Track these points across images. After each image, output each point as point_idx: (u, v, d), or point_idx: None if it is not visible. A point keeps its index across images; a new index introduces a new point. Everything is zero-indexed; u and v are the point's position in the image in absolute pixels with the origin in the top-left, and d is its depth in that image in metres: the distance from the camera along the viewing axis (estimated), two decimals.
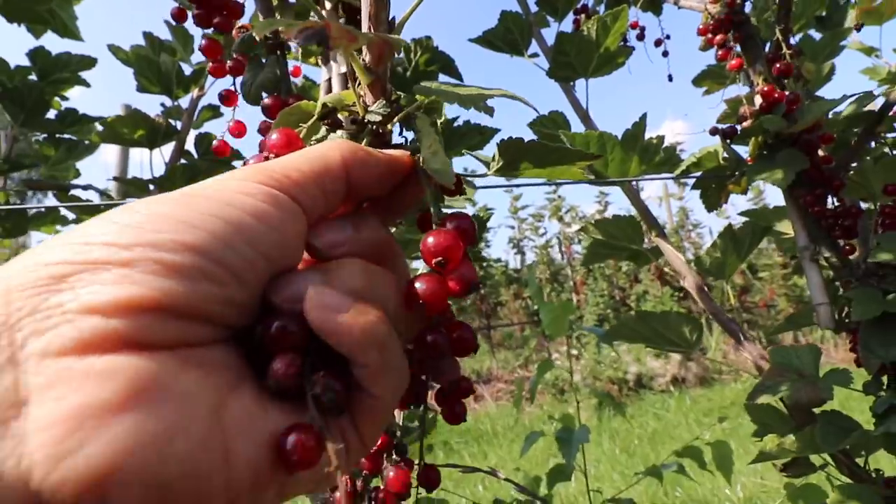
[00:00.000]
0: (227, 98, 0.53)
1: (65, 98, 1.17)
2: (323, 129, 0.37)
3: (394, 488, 0.39)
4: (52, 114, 1.08)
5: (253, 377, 0.20)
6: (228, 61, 0.53)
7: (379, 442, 0.40)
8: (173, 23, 0.92)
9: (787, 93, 0.70)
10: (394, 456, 0.41)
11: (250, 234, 0.19)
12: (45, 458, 0.14)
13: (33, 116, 1.01)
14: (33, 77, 1.07)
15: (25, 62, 1.10)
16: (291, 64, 0.74)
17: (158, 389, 0.16)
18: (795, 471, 0.79)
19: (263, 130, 0.56)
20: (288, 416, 0.19)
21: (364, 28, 0.33)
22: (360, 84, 0.35)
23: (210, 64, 0.54)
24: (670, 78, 1.13)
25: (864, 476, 0.71)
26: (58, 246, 0.17)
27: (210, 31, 0.55)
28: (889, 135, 0.77)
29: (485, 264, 6.96)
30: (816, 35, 1.14)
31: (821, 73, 1.15)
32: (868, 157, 0.79)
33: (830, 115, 0.81)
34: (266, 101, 0.51)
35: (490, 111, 0.29)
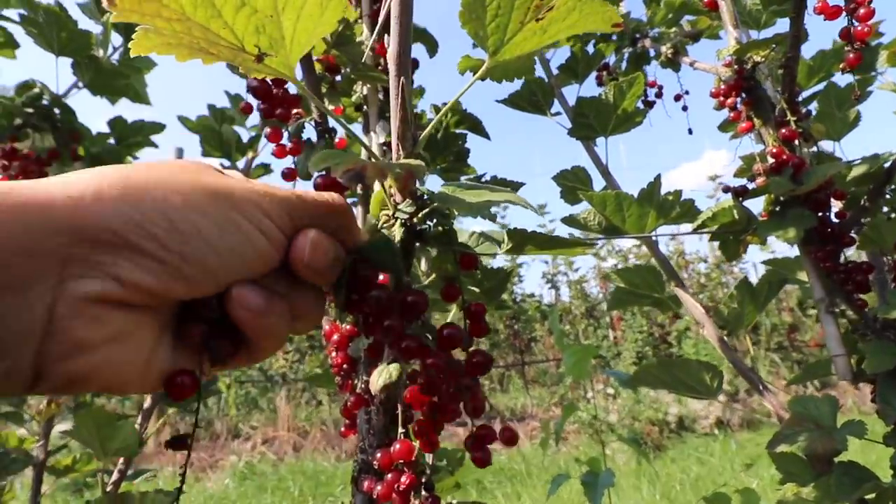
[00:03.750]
0: (289, 175, 0.62)
1: (135, 157, 1.32)
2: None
3: None
4: None
5: (175, 332, 0.30)
6: (288, 143, 0.63)
7: (407, 480, 0.46)
8: (232, 97, 1.05)
9: (795, 156, 0.75)
10: (422, 492, 0.47)
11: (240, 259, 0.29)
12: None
13: None
14: (111, 141, 1.22)
15: (104, 128, 1.26)
16: (339, 137, 0.84)
17: (127, 334, 0.27)
18: None
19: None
20: (186, 361, 0.30)
21: (394, 147, 0.41)
22: (391, 186, 0.43)
23: (274, 146, 0.64)
24: (690, 132, 1.18)
25: None
26: (134, 212, 0.26)
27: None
28: None
29: (518, 299, 6.95)
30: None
31: (846, 120, 1.18)
32: (882, 212, 0.82)
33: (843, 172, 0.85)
34: (317, 180, 0.60)
35: (493, 218, 0.36)
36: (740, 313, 0.83)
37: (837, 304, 0.77)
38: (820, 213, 0.77)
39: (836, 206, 0.83)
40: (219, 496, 3.71)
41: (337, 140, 0.82)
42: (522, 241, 0.42)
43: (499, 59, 0.42)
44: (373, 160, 0.37)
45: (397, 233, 0.42)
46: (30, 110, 1.05)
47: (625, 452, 4.57)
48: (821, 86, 1.15)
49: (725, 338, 0.88)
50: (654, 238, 0.94)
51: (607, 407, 5.30)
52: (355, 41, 0.65)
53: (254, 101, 0.63)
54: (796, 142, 0.77)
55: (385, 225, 0.41)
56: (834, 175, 0.82)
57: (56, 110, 1.10)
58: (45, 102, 1.09)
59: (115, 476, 0.77)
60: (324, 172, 0.62)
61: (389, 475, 0.49)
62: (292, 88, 0.62)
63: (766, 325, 7.24)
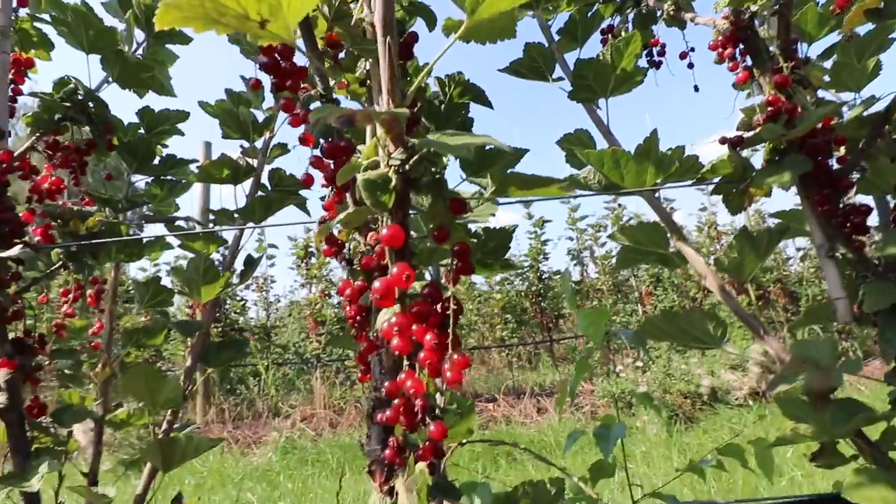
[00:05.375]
0: (305, 140, 0.68)
1: (165, 146, 1.41)
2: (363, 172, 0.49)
3: (434, 437, 0.50)
4: (156, 160, 1.31)
5: None
6: (300, 111, 0.68)
7: (419, 403, 0.51)
8: (248, 81, 1.11)
9: (788, 102, 0.76)
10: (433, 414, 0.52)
11: None
12: None
13: (143, 164, 1.24)
14: (141, 131, 1.31)
15: (134, 119, 1.34)
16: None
17: None
18: (824, 460, 0.81)
19: (324, 170, 0.70)
20: None
21: (384, 97, 0.46)
22: (384, 138, 0.48)
23: (289, 117, 0.69)
24: (696, 88, 1.19)
25: (889, 465, 0.73)
26: None
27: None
28: None
29: (544, 277, 6.94)
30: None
31: (865, 70, 1.16)
32: (884, 155, 0.82)
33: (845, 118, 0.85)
34: (323, 145, 0.66)
35: (469, 155, 0.40)
36: (740, 263, 0.85)
37: (837, 248, 0.78)
38: (819, 159, 0.78)
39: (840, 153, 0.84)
40: (264, 468, 3.91)
41: None
42: (504, 181, 0.46)
43: (477, 18, 0.46)
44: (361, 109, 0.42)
45: (392, 179, 0.47)
46: (67, 104, 1.13)
47: (655, 424, 4.57)
48: (834, 35, 1.13)
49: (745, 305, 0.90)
50: (656, 196, 0.96)
51: (636, 380, 5.29)
52: (353, 16, 0.69)
53: (265, 79, 0.68)
54: (792, 89, 0.78)
55: (377, 171, 0.46)
56: (836, 122, 0.83)
57: (90, 104, 1.19)
58: (79, 97, 1.17)
59: (164, 426, 0.87)
60: (329, 139, 0.67)
61: (397, 401, 0.54)
62: (298, 62, 0.67)
63: (807, 294, 7.05)
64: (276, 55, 0.63)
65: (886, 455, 0.73)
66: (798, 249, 7.51)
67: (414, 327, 0.49)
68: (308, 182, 0.68)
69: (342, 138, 0.67)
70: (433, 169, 0.51)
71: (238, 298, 6.96)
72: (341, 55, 0.83)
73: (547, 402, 5.25)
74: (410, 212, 0.53)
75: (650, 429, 4.49)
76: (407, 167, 0.47)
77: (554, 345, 6.83)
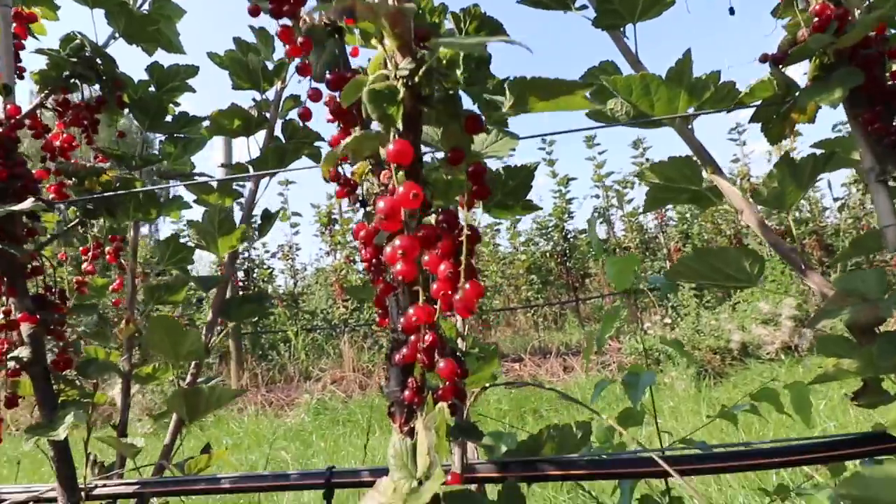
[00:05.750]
0: (304, 69, 0.64)
1: (177, 104, 1.38)
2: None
3: (443, 374, 0.48)
4: (169, 118, 1.29)
5: None
6: (299, 38, 0.64)
7: (430, 338, 0.49)
8: (252, 17, 1.06)
9: (839, 7, 0.68)
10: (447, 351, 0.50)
11: None
12: None
13: (156, 121, 1.22)
14: (152, 88, 1.28)
15: (144, 77, 1.32)
16: (352, 46, 0.84)
17: None
18: (867, 399, 0.77)
19: (329, 103, 0.67)
20: None
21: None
22: (391, 48, 0.44)
23: (287, 47, 0.65)
24: (732, 11, 1.09)
25: None
26: None
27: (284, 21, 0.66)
28: None
29: (570, 237, 6.84)
30: None
31: None
32: None
33: None
34: (328, 76, 0.61)
35: (485, 54, 0.36)
36: (781, 192, 0.79)
37: (889, 171, 0.72)
38: (872, 73, 0.70)
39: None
40: (297, 428, 4.06)
41: (350, 49, 0.82)
42: (523, 90, 0.42)
43: None
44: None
45: (401, 92, 0.43)
46: (74, 61, 1.11)
47: (684, 380, 4.54)
48: None
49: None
50: (689, 127, 0.90)
51: (665, 336, 5.23)
52: None
53: (262, 7, 0.64)
54: None
55: (383, 83, 0.42)
56: (892, 34, 0.75)
57: (98, 60, 1.17)
58: (87, 53, 1.15)
59: (188, 378, 0.88)
60: (336, 69, 0.63)
61: (412, 337, 0.52)
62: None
63: (843, 244, 6.79)
64: None
65: None
66: (835, 199, 7.19)
67: (426, 257, 0.46)
68: (306, 115, 0.65)
69: (348, 67, 0.63)
70: (445, 84, 0.46)
71: (265, 267, 7.09)
72: None
73: (573, 361, 5.26)
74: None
75: (679, 384, 4.47)
76: (416, 79, 0.42)
77: (580, 304, 6.79)
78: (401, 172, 0.44)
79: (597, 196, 7.48)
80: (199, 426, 4.24)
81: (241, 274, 6.97)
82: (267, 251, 7.38)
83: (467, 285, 0.45)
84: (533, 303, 6.90)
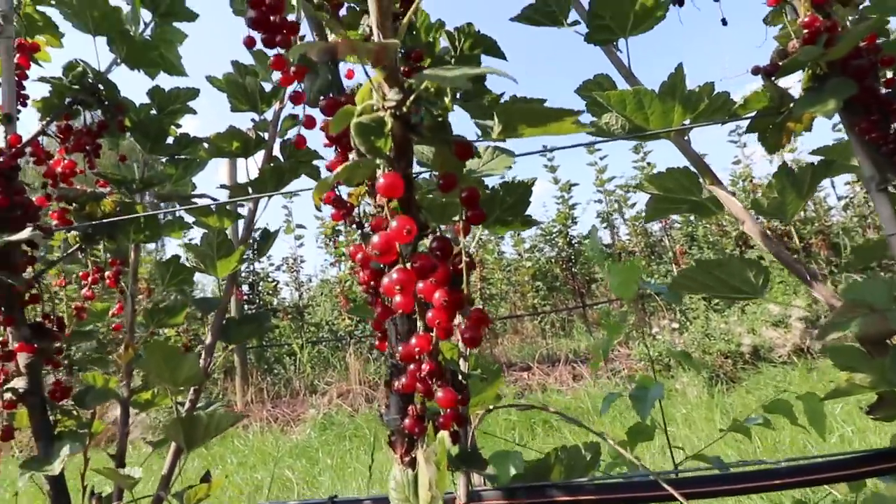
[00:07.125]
0: (296, 97, 0.64)
1: (178, 125, 1.40)
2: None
3: (442, 404, 0.47)
4: (170, 140, 1.30)
5: None
6: (293, 68, 0.65)
7: (427, 368, 0.48)
8: (248, 49, 1.08)
9: (828, 20, 0.68)
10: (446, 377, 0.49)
11: None
12: None
13: (157, 143, 1.23)
14: (153, 111, 1.30)
15: (146, 100, 1.33)
16: (347, 68, 0.85)
17: None
18: (882, 412, 0.75)
19: (324, 127, 0.67)
20: None
21: (374, 32, 0.42)
22: (378, 79, 0.44)
23: (280, 75, 0.66)
24: (724, 22, 1.09)
25: None
26: None
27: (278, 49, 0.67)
28: None
29: (574, 242, 6.82)
30: None
31: None
32: None
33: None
34: (322, 102, 0.62)
35: (468, 86, 0.36)
36: (781, 203, 0.79)
37: (889, 179, 0.71)
38: (864, 82, 0.70)
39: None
40: (303, 445, 4.03)
41: (345, 71, 0.83)
42: (511, 117, 0.42)
43: None
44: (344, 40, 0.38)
45: (388, 123, 0.43)
46: (76, 88, 1.12)
47: (696, 386, 4.49)
48: None
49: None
50: (685, 138, 0.90)
51: (674, 341, 5.19)
52: None
53: (256, 36, 0.64)
54: (831, 7, 0.70)
55: (370, 115, 0.42)
56: (883, 41, 0.74)
57: (100, 86, 1.18)
58: (89, 80, 1.16)
59: (187, 405, 0.87)
60: (329, 95, 0.63)
61: (411, 366, 0.51)
62: (289, 17, 0.64)
63: (852, 245, 6.72)
64: (264, 8, 0.59)
65: None
66: (840, 198, 7.13)
67: (420, 284, 0.46)
68: (300, 143, 0.65)
69: (342, 91, 0.63)
70: (434, 112, 0.46)
71: (270, 280, 7.10)
72: (343, 13, 0.79)
73: (582, 369, 5.22)
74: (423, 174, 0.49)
75: (690, 391, 4.42)
76: (404, 108, 0.43)
77: (587, 310, 6.75)
78: (394, 202, 0.44)
79: (599, 201, 7.48)
80: (203, 444, 4.22)
81: (245, 287, 7.00)
82: (272, 264, 7.42)
83: (471, 313, 0.45)
84: (539, 309, 6.87)
